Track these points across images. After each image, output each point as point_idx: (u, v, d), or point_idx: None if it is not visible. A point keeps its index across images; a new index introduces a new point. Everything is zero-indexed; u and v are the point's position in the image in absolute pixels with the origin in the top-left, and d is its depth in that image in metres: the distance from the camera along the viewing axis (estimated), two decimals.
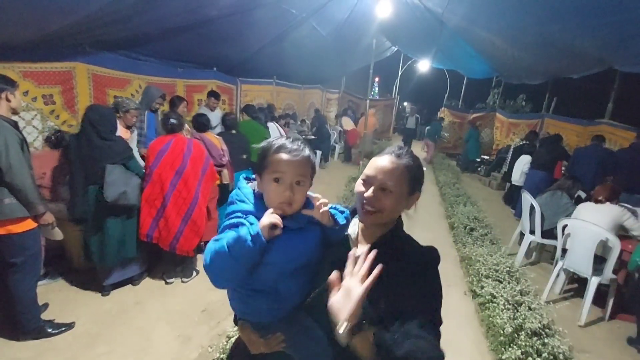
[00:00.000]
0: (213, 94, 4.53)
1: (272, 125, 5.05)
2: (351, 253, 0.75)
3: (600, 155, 4.68)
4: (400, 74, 12.96)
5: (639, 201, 4.01)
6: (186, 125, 3.13)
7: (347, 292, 0.69)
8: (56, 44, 3.09)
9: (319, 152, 7.22)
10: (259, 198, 0.89)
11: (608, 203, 3.06)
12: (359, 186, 0.89)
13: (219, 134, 3.61)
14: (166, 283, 2.87)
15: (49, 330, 2.18)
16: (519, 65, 6.67)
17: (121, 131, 2.95)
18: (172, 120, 2.77)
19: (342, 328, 0.66)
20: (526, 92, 9.69)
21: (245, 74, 6.31)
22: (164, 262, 2.95)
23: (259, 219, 0.82)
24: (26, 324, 2.10)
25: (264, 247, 0.79)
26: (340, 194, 5.01)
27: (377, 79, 17.62)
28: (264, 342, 0.88)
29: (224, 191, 3.41)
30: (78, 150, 2.36)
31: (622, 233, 3.00)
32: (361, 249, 0.89)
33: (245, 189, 0.92)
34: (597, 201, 3.11)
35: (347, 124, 9.07)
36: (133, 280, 2.79)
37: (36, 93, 3.14)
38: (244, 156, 3.75)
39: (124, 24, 3.13)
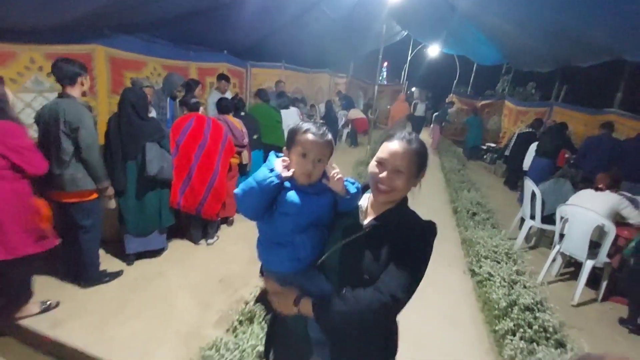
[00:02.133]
0: (223, 77, 4.62)
1: (293, 110, 5.15)
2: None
3: (611, 145, 4.71)
4: (409, 58, 12.81)
5: None
6: (201, 108, 3.31)
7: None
8: (77, 27, 3.20)
9: None
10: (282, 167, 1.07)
11: (608, 191, 3.16)
12: (373, 168, 1.02)
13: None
14: (195, 244, 3.29)
15: (105, 278, 2.60)
16: (529, 52, 6.62)
17: None
18: (194, 100, 3.11)
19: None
20: (536, 80, 9.58)
21: (254, 57, 6.36)
22: (192, 227, 3.29)
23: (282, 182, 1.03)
24: (91, 273, 2.53)
25: (281, 179, 1.01)
26: (347, 176, 5.13)
27: (385, 64, 17.40)
28: (281, 301, 1.04)
29: (243, 171, 3.64)
30: (117, 130, 2.55)
31: (620, 220, 3.12)
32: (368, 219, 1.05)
33: (274, 163, 1.09)
34: (597, 188, 3.21)
35: (354, 113, 9.15)
36: (155, 253, 3.01)
37: None
38: (255, 136, 3.92)
39: (143, 8, 3.23)
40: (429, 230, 0.99)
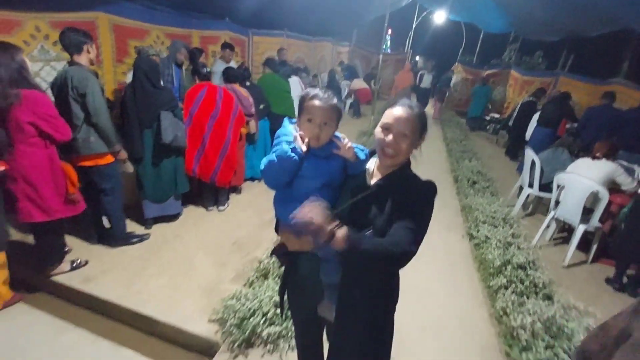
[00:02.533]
0: (228, 46, 4.56)
1: (294, 79, 5.14)
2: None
3: (612, 115, 4.74)
4: (414, 25, 12.38)
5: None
6: None
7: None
8: None
9: None
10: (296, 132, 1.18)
11: (604, 159, 3.26)
12: (379, 134, 1.11)
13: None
14: (207, 210, 3.46)
15: (133, 239, 2.80)
16: (537, 20, 6.44)
17: None
18: (206, 69, 3.15)
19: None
20: (543, 49, 9.35)
21: (256, 25, 6.21)
22: (204, 194, 3.46)
23: (297, 147, 1.14)
24: (118, 233, 2.72)
25: (301, 157, 1.10)
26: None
27: (389, 32, 16.81)
28: (299, 241, 1.16)
29: (250, 140, 3.76)
30: (133, 98, 2.63)
31: (614, 187, 3.25)
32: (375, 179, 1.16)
33: (289, 127, 1.20)
34: (594, 157, 3.31)
35: (357, 84, 9.03)
36: (171, 218, 3.19)
37: None
38: (261, 106, 3.98)
39: None
40: (430, 188, 1.10)
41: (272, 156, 1.12)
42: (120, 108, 2.75)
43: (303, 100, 1.16)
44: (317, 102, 1.12)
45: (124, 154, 2.55)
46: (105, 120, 2.33)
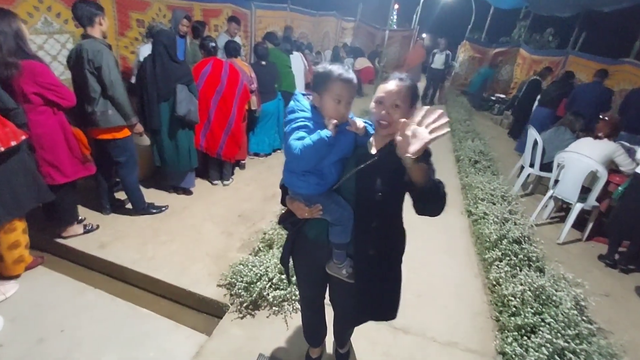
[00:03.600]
0: (234, 19, 4.48)
1: (297, 55, 5.08)
2: (421, 107, 1.00)
3: (599, 92, 4.81)
4: (422, 1, 11.97)
5: None
6: None
7: (416, 136, 0.94)
8: None
9: None
10: (314, 108, 1.21)
11: (606, 139, 3.28)
12: (373, 107, 1.19)
13: (250, 64, 3.82)
14: (212, 184, 3.57)
15: (152, 210, 2.91)
16: None
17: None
18: (212, 44, 3.12)
19: (409, 158, 0.95)
20: (554, 26, 9.09)
21: None
22: (210, 168, 3.55)
23: (316, 123, 1.16)
24: (136, 204, 2.83)
25: (333, 144, 1.13)
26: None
27: (396, 7, 16.27)
28: (308, 210, 1.24)
29: (252, 117, 3.74)
30: (153, 71, 2.67)
31: (613, 167, 3.29)
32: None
33: (304, 101, 1.22)
34: (596, 137, 3.34)
35: (361, 62, 8.85)
36: (185, 191, 3.32)
37: (67, 15, 3.23)
38: (276, 85, 4.01)
39: None
40: (426, 152, 1.14)
41: (307, 141, 1.11)
42: (137, 81, 2.79)
43: (326, 78, 1.13)
44: (344, 84, 1.13)
45: (140, 127, 2.61)
46: (121, 93, 2.36)
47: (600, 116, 4.86)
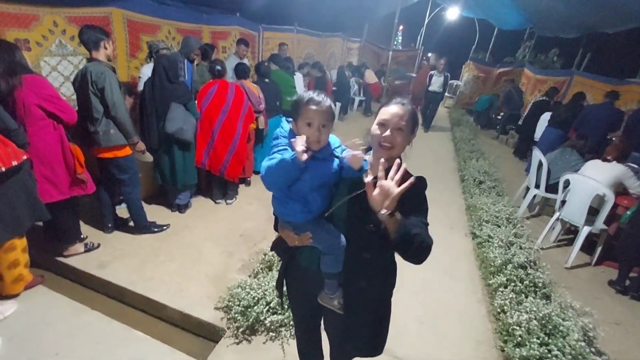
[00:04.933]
0: (243, 42, 4.62)
1: (299, 75, 5.21)
2: (381, 161, 1.03)
3: (610, 114, 4.75)
4: (426, 22, 12.23)
5: None
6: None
7: (385, 191, 0.98)
8: None
9: (338, 104, 7.35)
10: (293, 134, 1.20)
11: (615, 162, 3.24)
12: (375, 130, 1.18)
13: (254, 82, 3.93)
14: (215, 203, 3.58)
15: (154, 228, 2.93)
16: (555, 16, 6.32)
17: None
18: (218, 67, 3.27)
19: (383, 213, 0.98)
20: (559, 47, 9.15)
21: (266, 20, 6.25)
22: (214, 187, 3.58)
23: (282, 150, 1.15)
24: (138, 222, 2.86)
25: (302, 167, 1.09)
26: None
27: (401, 28, 16.63)
28: (298, 238, 1.23)
29: (259, 135, 3.87)
30: (152, 92, 2.78)
31: (621, 190, 3.23)
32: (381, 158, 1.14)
33: (286, 127, 1.23)
34: (605, 160, 3.29)
35: (370, 77, 8.97)
36: (180, 208, 3.33)
37: None
38: (277, 103, 4.10)
39: None
40: (423, 183, 1.17)
41: (272, 162, 1.12)
42: (139, 101, 2.89)
43: (298, 105, 1.16)
44: (313, 107, 1.13)
45: (141, 145, 2.67)
46: (123, 113, 2.44)
47: (608, 137, 4.84)
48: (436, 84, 7.63)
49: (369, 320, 1.27)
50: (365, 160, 1.20)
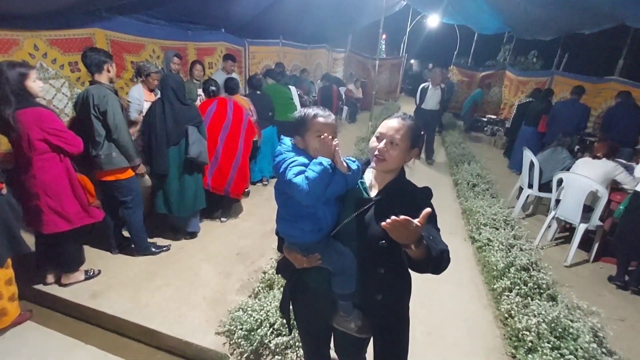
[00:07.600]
0: (230, 57, 4.64)
1: (293, 89, 5.27)
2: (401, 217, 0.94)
3: (576, 109, 4.97)
4: (408, 30, 12.50)
5: (629, 154, 4.27)
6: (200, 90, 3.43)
7: (407, 229, 0.92)
8: (76, 10, 3.20)
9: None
10: (296, 149, 1.19)
11: (604, 159, 3.29)
12: (372, 142, 1.18)
13: (246, 95, 3.93)
14: (221, 222, 3.50)
15: (153, 249, 2.85)
16: (532, 20, 6.51)
17: (145, 94, 3.24)
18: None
19: (412, 247, 0.96)
20: (538, 49, 9.44)
21: (252, 34, 6.28)
22: (222, 206, 3.54)
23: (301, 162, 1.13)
24: (139, 244, 2.79)
25: (345, 173, 1.11)
26: (350, 153, 5.27)
27: (384, 37, 16.94)
28: (306, 259, 1.18)
29: (253, 146, 3.83)
30: (162, 115, 2.69)
31: (614, 186, 3.28)
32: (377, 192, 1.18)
33: (288, 142, 1.21)
34: (594, 157, 3.35)
35: (353, 89, 9.14)
36: (191, 235, 3.20)
37: (63, 60, 3.29)
38: (270, 114, 4.13)
39: None
40: (429, 193, 1.18)
41: (314, 174, 1.06)
42: (145, 126, 2.81)
43: (305, 120, 1.15)
44: (322, 120, 1.14)
45: (142, 168, 2.64)
46: (125, 136, 2.42)
47: (598, 136, 4.99)
48: (432, 100, 5.84)
49: (387, 338, 1.23)
50: (353, 163, 1.18)
